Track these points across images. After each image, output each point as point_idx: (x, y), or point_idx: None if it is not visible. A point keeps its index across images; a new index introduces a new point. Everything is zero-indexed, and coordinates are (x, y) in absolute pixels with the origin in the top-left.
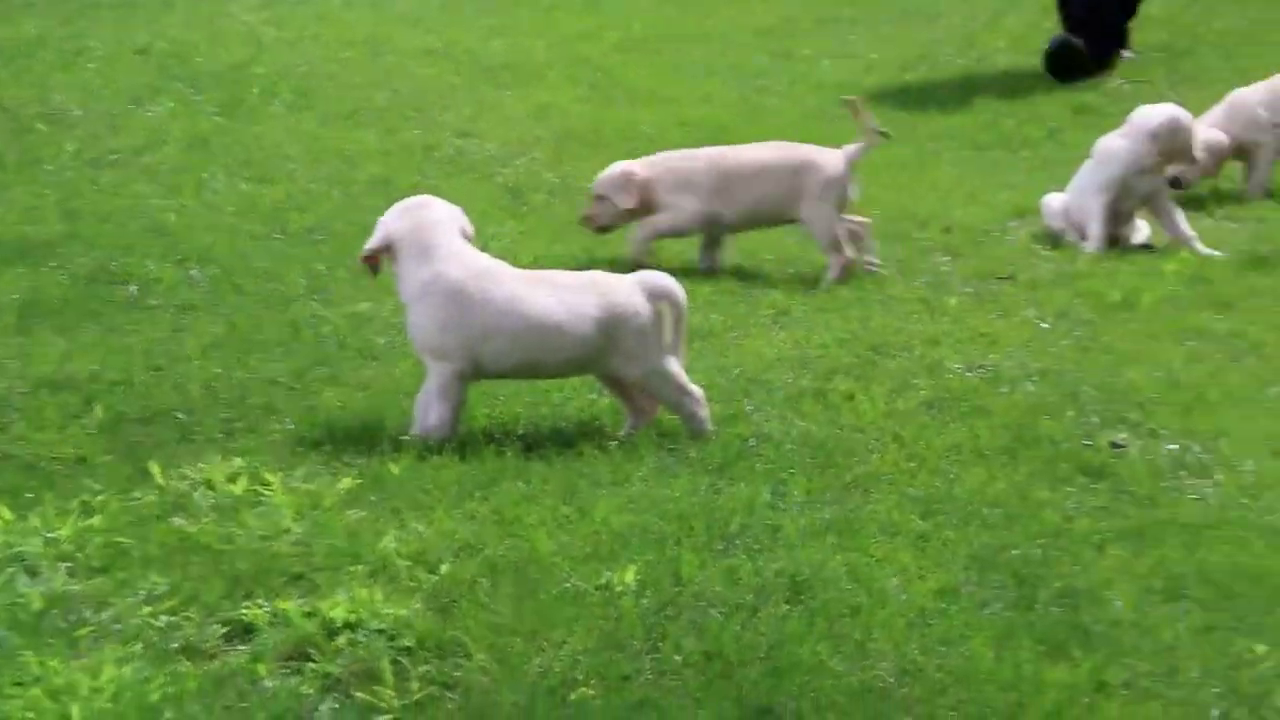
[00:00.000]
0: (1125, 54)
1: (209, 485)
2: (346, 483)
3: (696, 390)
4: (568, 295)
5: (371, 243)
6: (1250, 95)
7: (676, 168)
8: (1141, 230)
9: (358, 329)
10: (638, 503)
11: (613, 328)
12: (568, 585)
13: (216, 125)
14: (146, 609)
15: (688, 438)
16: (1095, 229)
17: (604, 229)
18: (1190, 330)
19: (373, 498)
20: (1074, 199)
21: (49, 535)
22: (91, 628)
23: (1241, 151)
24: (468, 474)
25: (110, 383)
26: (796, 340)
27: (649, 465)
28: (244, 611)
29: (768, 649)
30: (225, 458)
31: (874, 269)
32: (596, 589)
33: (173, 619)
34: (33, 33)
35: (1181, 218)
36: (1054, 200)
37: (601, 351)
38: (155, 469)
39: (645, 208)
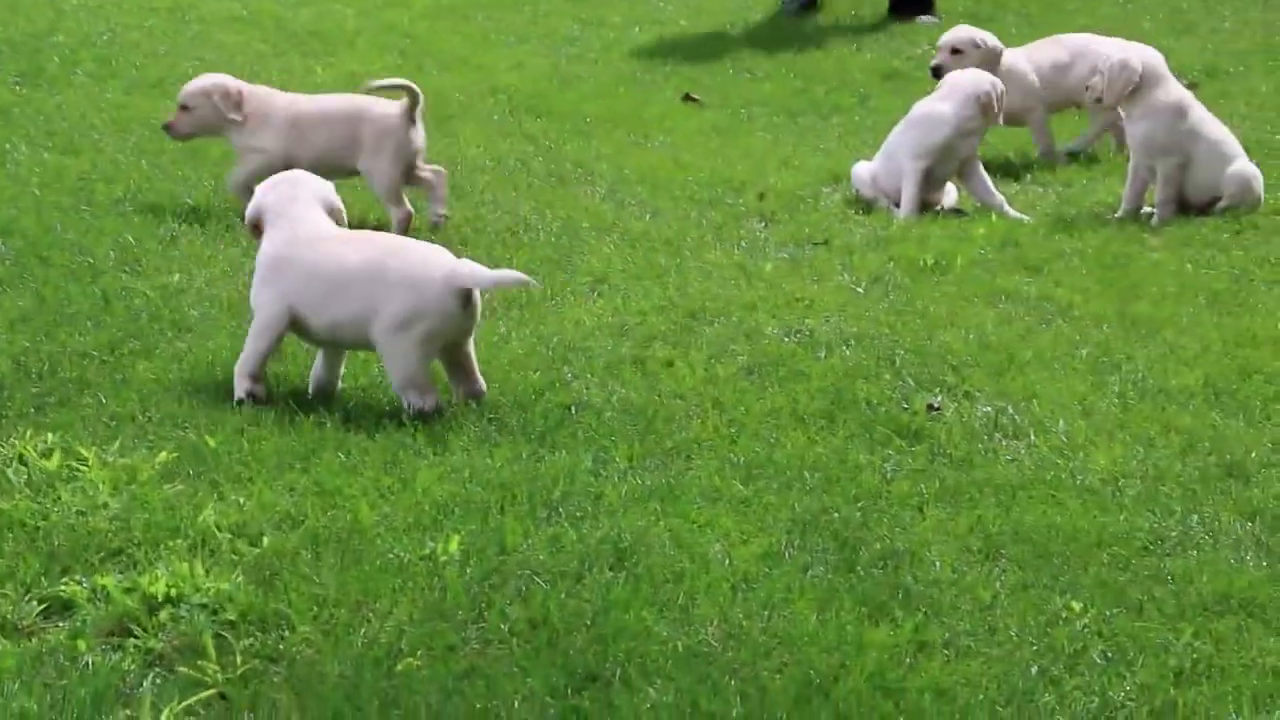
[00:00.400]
0: (925, 19)
1: (21, 461)
2: (163, 456)
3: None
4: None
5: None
6: (1019, 61)
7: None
8: (950, 194)
9: (170, 301)
10: (459, 472)
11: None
12: (391, 556)
13: (17, 95)
14: None
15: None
16: (910, 193)
17: (185, 138)
18: (1001, 293)
19: (191, 471)
20: (885, 164)
21: None
22: None
23: (1016, 118)
24: (287, 445)
25: None
26: (615, 308)
27: (469, 435)
28: (62, 588)
29: (593, 616)
30: (37, 432)
31: (439, 221)
32: (420, 559)
33: None
34: None
35: (990, 182)
36: (863, 169)
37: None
38: None
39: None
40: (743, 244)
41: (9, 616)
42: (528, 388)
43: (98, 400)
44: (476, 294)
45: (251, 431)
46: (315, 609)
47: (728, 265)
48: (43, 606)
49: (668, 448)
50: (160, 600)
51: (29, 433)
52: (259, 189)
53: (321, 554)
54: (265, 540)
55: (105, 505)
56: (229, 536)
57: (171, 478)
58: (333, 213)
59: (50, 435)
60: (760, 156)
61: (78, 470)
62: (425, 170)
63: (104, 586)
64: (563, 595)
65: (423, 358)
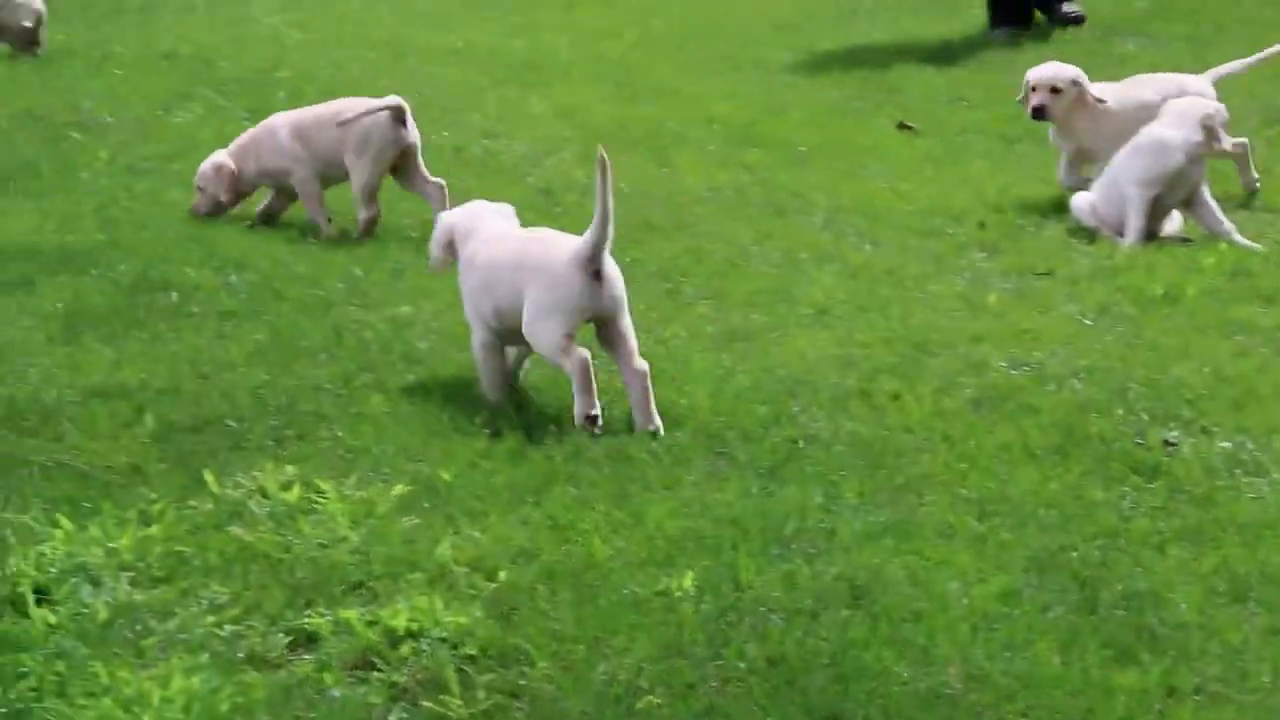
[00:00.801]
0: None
1: (263, 493)
2: (399, 489)
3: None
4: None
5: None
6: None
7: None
8: (1174, 221)
9: (399, 333)
10: (690, 507)
11: None
12: (626, 591)
13: (245, 129)
14: (210, 618)
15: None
16: (1136, 222)
17: (211, 215)
18: (1235, 324)
19: (426, 504)
20: (1106, 193)
21: (110, 545)
22: (158, 637)
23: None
24: (519, 479)
25: (159, 391)
26: (839, 339)
27: (699, 469)
28: (307, 621)
29: (831, 655)
30: (278, 465)
31: None
32: (655, 595)
33: (237, 628)
34: (60, 39)
35: (1218, 209)
36: (1082, 199)
37: None
38: (210, 477)
39: (242, 194)
40: (965, 274)
41: (257, 649)
42: (754, 421)
43: (333, 433)
44: (609, 268)
45: (484, 465)
46: (554, 645)
47: (950, 296)
48: (289, 639)
49: (898, 483)
50: (402, 634)
51: (269, 465)
52: (446, 216)
53: (557, 589)
54: (502, 574)
55: (345, 538)
56: (466, 570)
57: (408, 511)
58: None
59: (290, 468)
60: (978, 185)
61: (317, 503)
62: (429, 183)
63: (347, 619)
64: (800, 633)
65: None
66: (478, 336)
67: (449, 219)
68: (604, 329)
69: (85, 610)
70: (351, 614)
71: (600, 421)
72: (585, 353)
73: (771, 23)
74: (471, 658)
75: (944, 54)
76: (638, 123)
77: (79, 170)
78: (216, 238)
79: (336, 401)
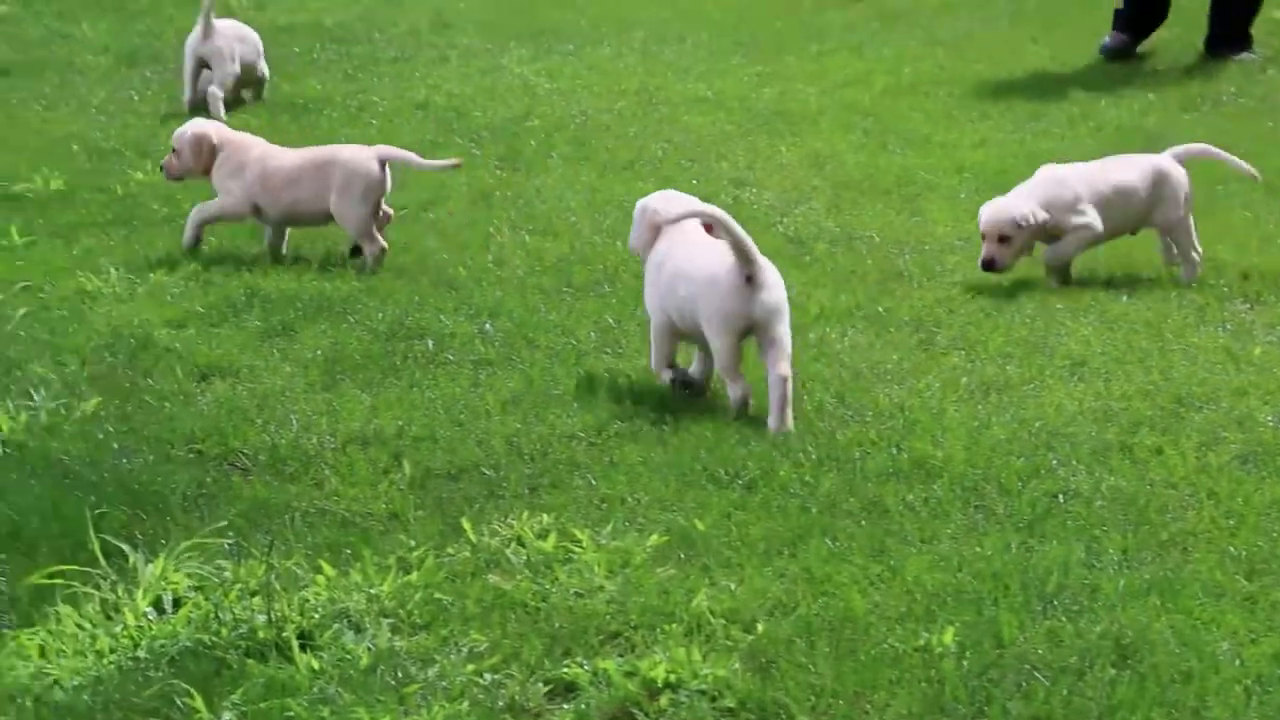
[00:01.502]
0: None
1: (519, 542)
2: (654, 539)
3: None
4: None
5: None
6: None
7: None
8: None
9: (652, 382)
10: (949, 561)
11: None
12: (886, 646)
13: (498, 179)
14: (470, 666)
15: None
16: None
17: (176, 179)
18: None
19: (681, 554)
20: None
21: (371, 591)
22: (419, 685)
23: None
24: (774, 530)
25: (416, 438)
26: (1097, 392)
27: (956, 522)
28: (565, 670)
29: (1098, 715)
30: (533, 513)
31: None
32: (915, 650)
33: (496, 677)
34: (318, 90)
35: None
36: None
37: None
38: (467, 525)
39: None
40: (1228, 326)
41: (517, 698)
42: (1012, 474)
43: (588, 482)
44: (763, 273)
45: (738, 516)
46: (813, 699)
47: (1213, 349)
48: (548, 688)
49: (1163, 539)
50: (660, 685)
51: (525, 514)
52: (645, 202)
53: (816, 642)
54: (759, 627)
55: (601, 588)
56: (723, 622)
57: (663, 561)
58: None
59: (545, 516)
60: (1240, 235)
61: (573, 552)
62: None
63: (605, 670)
64: (1065, 692)
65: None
66: (656, 322)
67: (648, 205)
68: (761, 335)
69: (348, 656)
70: (609, 664)
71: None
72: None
73: (1025, 71)
74: (730, 711)
75: (1202, 103)
76: (887, 171)
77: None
78: (470, 285)
79: (590, 450)
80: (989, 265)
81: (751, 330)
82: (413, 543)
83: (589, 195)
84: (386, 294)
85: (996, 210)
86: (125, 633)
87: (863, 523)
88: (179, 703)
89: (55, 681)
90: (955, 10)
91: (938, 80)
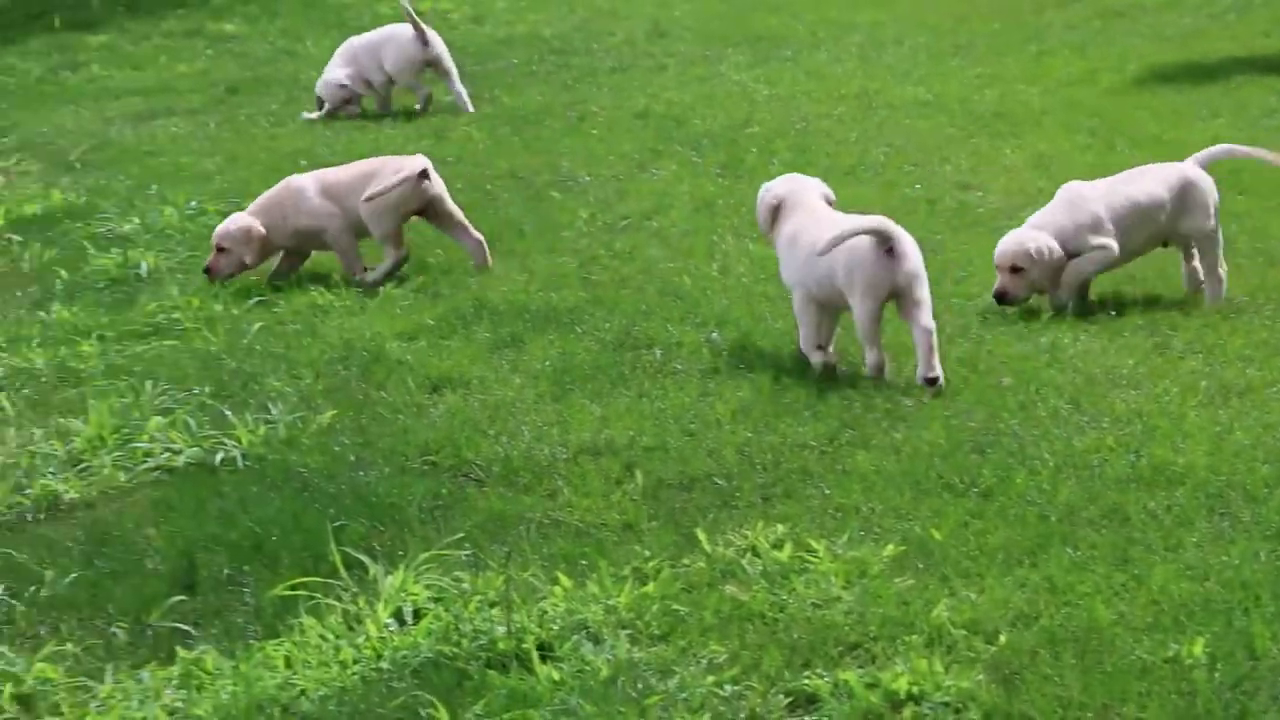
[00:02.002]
0: None
1: (754, 552)
2: (890, 549)
3: None
4: None
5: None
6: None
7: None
8: None
9: (883, 391)
10: (1195, 570)
11: None
12: (1133, 657)
13: (720, 186)
14: (710, 678)
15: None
16: None
17: (227, 278)
18: None
19: (919, 564)
20: None
21: (608, 602)
22: (659, 696)
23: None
24: (1013, 539)
25: (647, 448)
26: None
27: (1201, 530)
28: (805, 682)
29: None
30: (768, 523)
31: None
32: (1164, 662)
33: (736, 688)
34: (539, 101)
35: None
36: None
37: None
38: (701, 535)
39: (267, 256)
40: None
41: (758, 709)
42: (1257, 481)
43: (821, 491)
44: (902, 243)
45: (976, 524)
46: (1061, 712)
47: None
48: (789, 700)
49: None
50: (903, 697)
51: (759, 524)
52: (769, 187)
53: (1060, 654)
54: (1002, 638)
55: (839, 598)
56: (964, 633)
57: (901, 571)
58: (829, 203)
59: (779, 526)
60: None
61: (809, 562)
62: (470, 237)
63: (846, 681)
64: None
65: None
66: (798, 296)
67: (771, 190)
68: (904, 299)
69: (588, 667)
70: (851, 675)
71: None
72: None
73: (1256, 66)
74: None
75: None
76: (1116, 172)
77: (561, 229)
78: (695, 295)
79: (821, 459)
80: (1001, 297)
81: (894, 296)
82: (648, 553)
83: None
84: (613, 304)
85: (1010, 242)
86: (368, 644)
87: (1104, 531)
88: (422, 714)
89: (302, 692)
90: (1179, 6)
91: (1164, 77)
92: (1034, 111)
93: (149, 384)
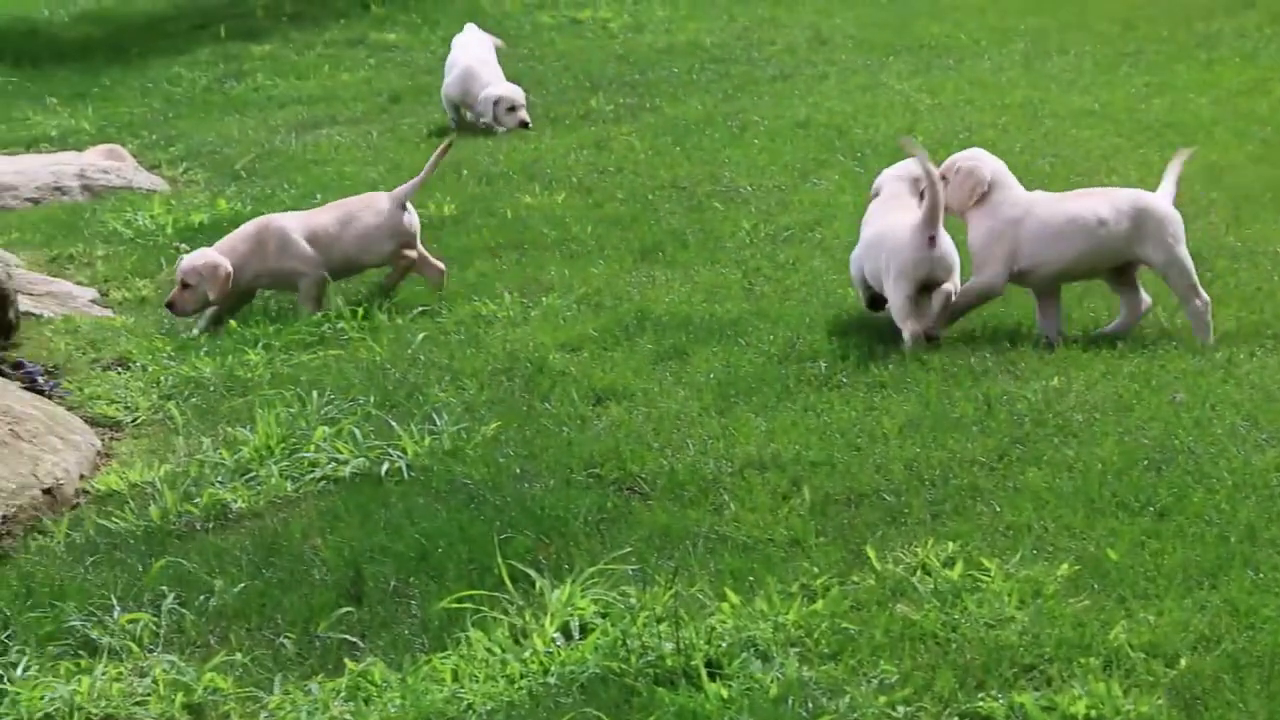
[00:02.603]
0: None
1: (925, 570)
2: (1064, 569)
3: None
4: None
5: None
6: None
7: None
8: None
9: (1051, 405)
10: None
11: None
12: None
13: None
14: (881, 698)
15: None
16: None
17: (190, 315)
18: None
19: (1094, 584)
20: None
21: (776, 619)
22: (830, 715)
23: None
24: (1191, 559)
25: (813, 463)
26: None
27: None
28: (980, 704)
29: None
30: (937, 541)
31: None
32: None
33: (909, 709)
34: (700, 110)
35: None
36: None
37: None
38: (870, 552)
39: (231, 295)
40: None
41: None
42: None
43: (991, 508)
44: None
45: (1152, 544)
46: None
47: None
48: None
49: None
50: None
51: (929, 541)
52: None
53: (1244, 679)
54: (1182, 662)
55: (1012, 618)
56: (1143, 656)
57: (1076, 591)
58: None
59: (950, 544)
60: None
61: (980, 580)
62: (430, 265)
63: (1022, 704)
64: None
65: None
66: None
67: (882, 175)
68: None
69: (756, 685)
70: (1026, 698)
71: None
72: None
73: None
74: None
75: None
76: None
77: (723, 240)
78: (859, 307)
79: (991, 475)
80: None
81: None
82: (816, 570)
83: None
84: (777, 316)
85: None
86: (534, 658)
87: None
88: None
89: (469, 706)
90: None
91: None
92: (1204, 121)
93: (315, 394)
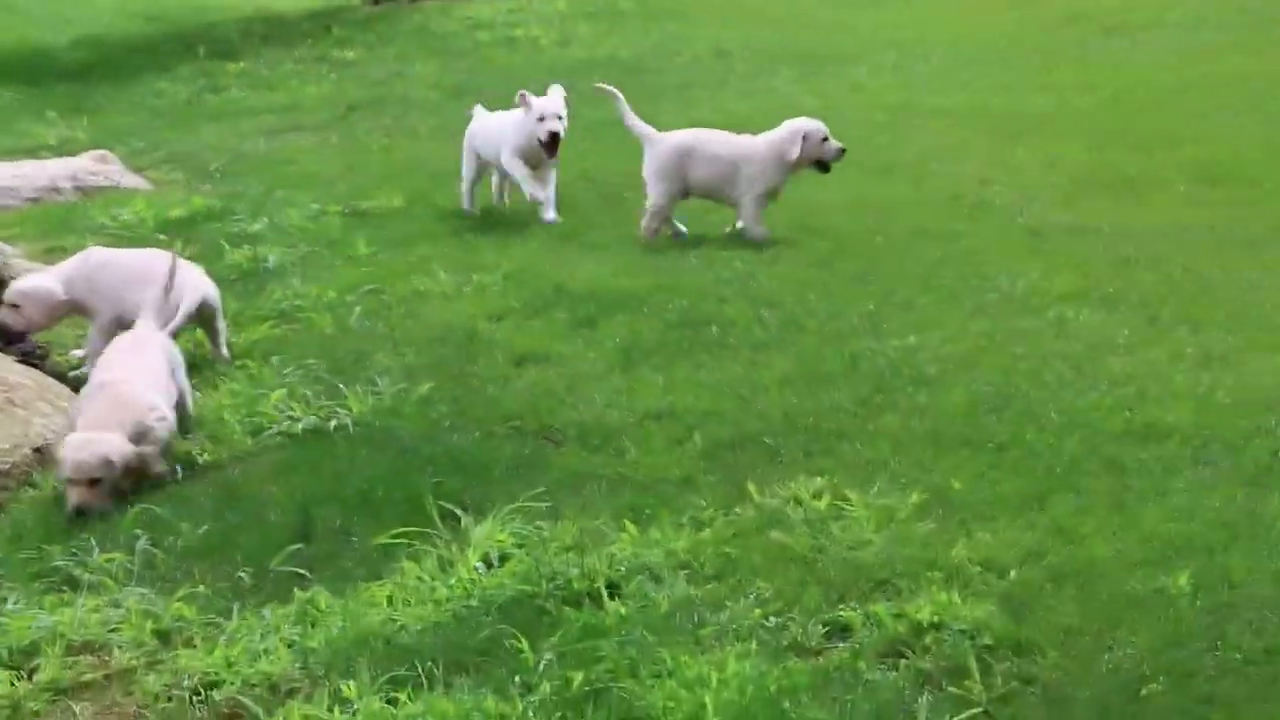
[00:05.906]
0: None
1: (797, 502)
2: (915, 497)
3: None
4: None
5: None
6: None
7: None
8: None
9: (908, 359)
10: (1181, 512)
11: None
12: (1126, 589)
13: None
14: (757, 611)
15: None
16: None
17: (19, 336)
18: None
19: (940, 511)
20: None
21: (668, 547)
22: (712, 627)
23: None
24: (1023, 488)
25: (704, 413)
26: None
27: (1187, 478)
28: (841, 614)
29: None
30: (808, 477)
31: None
32: (1153, 592)
33: (780, 620)
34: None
35: None
36: None
37: None
38: (751, 488)
39: (56, 321)
40: None
41: (799, 638)
42: (1236, 434)
43: (854, 448)
44: None
45: (990, 475)
46: (1062, 637)
47: None
48: (825, 629)
49: None
50: (925, 625)
51: (801, 477)
52: None
53: (1062, 587)
54: (1012, 573)
55: (870, 541)
56: (979, 570)
57: (924, 516)
58: None
59: (819, 479)
60: None
61: (844, 509)
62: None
63: (876, 613)
64: None
65: None
66: None
67: None
68: None
69: (650, 603)
70: (880, 608)
71: None
72: None
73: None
74: (988, 648)
75: None
76: (1109, 168)
77: (633, 225)
78: (752, 279)
79: (855, 420)
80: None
81: None
82: (704, 504)
83: (851, 196)
84: (676, 289)
85: None
86: (459, 584)
87: (1102, 479)
88: (506, 644)
89: (402, 626)
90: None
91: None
92: (1039, 116)
93: (274, 361)
